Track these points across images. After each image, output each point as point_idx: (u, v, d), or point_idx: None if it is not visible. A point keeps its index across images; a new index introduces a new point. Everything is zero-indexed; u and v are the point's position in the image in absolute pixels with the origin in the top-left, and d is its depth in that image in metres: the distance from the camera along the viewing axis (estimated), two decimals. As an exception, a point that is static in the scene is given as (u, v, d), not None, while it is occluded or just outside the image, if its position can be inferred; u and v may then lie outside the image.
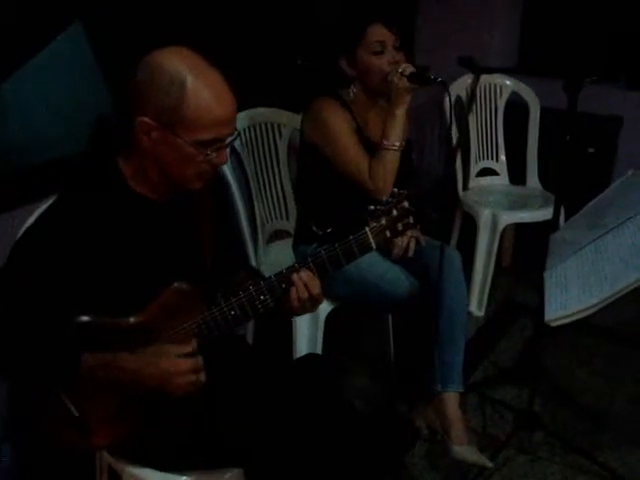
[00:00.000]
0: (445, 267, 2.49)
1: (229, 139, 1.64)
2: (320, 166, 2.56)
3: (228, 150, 1.66)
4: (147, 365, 1.58)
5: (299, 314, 1.79)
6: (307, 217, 2.72)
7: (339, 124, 2.51)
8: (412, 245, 2.58)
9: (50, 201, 1.68)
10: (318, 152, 2.55)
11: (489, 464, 2.43)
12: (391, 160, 2.45)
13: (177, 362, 1.59)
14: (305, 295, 1.68)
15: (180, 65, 1.54)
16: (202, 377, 1.61)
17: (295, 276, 1.68)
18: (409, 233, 2.56)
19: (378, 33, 2.47)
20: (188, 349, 1.60)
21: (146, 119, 1.56)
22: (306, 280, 1.68)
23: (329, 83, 2.63)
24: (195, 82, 1.53)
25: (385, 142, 2.45)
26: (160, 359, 1.59)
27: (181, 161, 1.60)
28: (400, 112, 2.44)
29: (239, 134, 1.68)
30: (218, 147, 1.61)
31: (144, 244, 1.66)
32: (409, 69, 2.39)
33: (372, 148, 2.50)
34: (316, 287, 1.70)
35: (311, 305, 1.73)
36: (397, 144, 2.45)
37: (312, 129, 2.58)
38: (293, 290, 1.68)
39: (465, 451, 2.44)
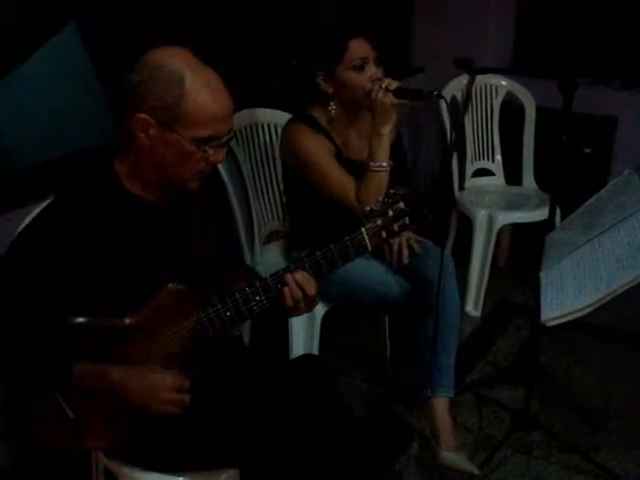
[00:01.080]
0: (436, 269, 2.47)
1: (226, 138, 1.64)
2: (304, 188, 2.50)
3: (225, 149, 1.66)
4: (133, 378, 1.60)
5: (294, 315, 1.79)
6: (298, 226, 2.71)
7: (316, 152, 2.42)
8: (405, 252, 2.54)
9: (45, 203, 1.68)
10: (299, 177, 2.50)
11: (476, 471, 2.43)
12: (380, 182, 2.32)
13: (163, 377, 1.61)
14: (299, 295, 1.68)
15: (178, 63, 1.56)
16: (186, 398, 1.62)
17: (289, 277, 1.68)
18: (404, 240, 2.55)
19: (360, 49, 2.36)
20: (177, 372, 1.63)
21: (144, 116, 1.56)
22: (301, 281, 1.68)
23: (304, 100, 2.55)
24: (193, 79, 1.55)
25: (372, 164, 2.33)
26: (147, 373, 1.61)
27: (179, 159, 1.61)
28: (386, 131, 2.32)
29: (236, 134, 1.68)
30: (216, 145, 1.61)
31: (138, 245, 1.67)
32: (394, 84, 2.29)
33: (355, 167, 2.41)
34: (311, 288, 1.69)
35: (307, 306, 1.73)
36: (385, 164, 2.33)
37: (289, 157, 2.53)
38: (286, 290, 1.68)
39: (453, 457, 2.44)
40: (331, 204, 2.43)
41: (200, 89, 1.56)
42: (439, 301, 2.44)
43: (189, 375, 1.64)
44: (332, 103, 2.48)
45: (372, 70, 2.37)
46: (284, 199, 2.95)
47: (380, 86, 2.30)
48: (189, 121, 1.56)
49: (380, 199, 1.71)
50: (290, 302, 1.69)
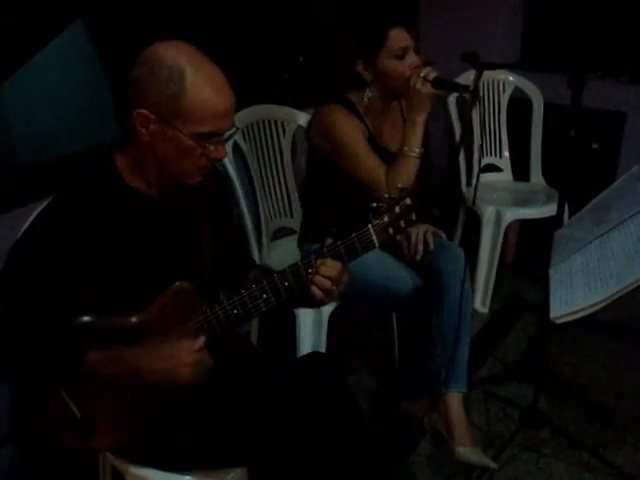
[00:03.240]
0: (449, 264, 2.48)
1: (228, 134, 1.63)
2: (329, 172, 2.53)
3: (230, 145, 1.65)
4: (150, 353, 1.58)
5: (328, 301, 1.75)
6: (313, 217, 2.71)
7: (350, 133, 2.46)
8: (420, 248, 2.54)
9: (48, 200, 1.67)
10: (327, 160, 2.52)
11: (493, 465, 2.42)
12: (410, 167, 2.38)
13: (181, 343, 1.59)
14: (327, 284, 1.66)
15: (179, 58, 1.54)
16: (208, 357, 1.60)
17: (310, 276, 1.66)
18: (421, 234, 2.55)
19: (400, 38, 2.41)
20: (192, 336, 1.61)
21: (145, 111, 1.56)
22: (322, 270, 1.66)
23: (340, 85, 2.57)
24: (194, 74, 1.54)
25: (405, 148, 2.39)
26: (162, 344, 1.59)
27: (179, 155, 1.60)
28: (421, 119, 2.38)
29: (237, 129, 1.67)
30: (216, 141, 1.60)
31: (142, 241, 1.66)
32: (432, 74, 2.33)
33: (385, 155, 2.45)
34: (334, 271, 1.67)
35: (339, 288, 1.71)
36: (417, 150, 2.39)
37: (321, 138, 2.53)
38: (313, 287, 1.67)
39: (468, 452, 2.43)
40: (351, 194, 2.43)
41: (201, 84, 1.54)
42: (452, 296, 2.46)
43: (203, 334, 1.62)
44: (368, 90, 2.51)
45: (412, 58, 2.41)
46: (298, 191, 2.99)
47: (419, 74, 2.35)
48: (189, 117, 1.55)
49: (387, 196, 1.70)
50: (320, 293, 1.68)
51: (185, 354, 1.58)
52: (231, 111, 1.61)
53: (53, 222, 1.59)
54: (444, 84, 2.34)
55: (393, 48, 2.41)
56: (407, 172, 2.37)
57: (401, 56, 2.41)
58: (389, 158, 2.43)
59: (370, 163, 2.44)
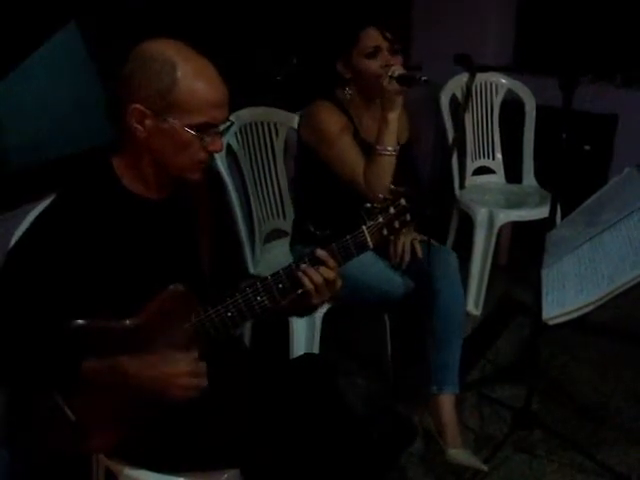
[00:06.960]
0: (441, 268, 2.50)
1: (223, 126, 1.63)
2: (317, 168, 2.54)
3: (225, 141, 1.65)
4: (148, 368, 1.57)
5: (318, 303, 1.73)
6: (304, 218, 2.71)
7: (335, 128, 2.48)
8: (407, 257, 2.58)
9: (45, 203, 1.67)
10: (315, 154, 2.54)
11: (484, 468, 2.42)
12: (385, 165, 2.40)
13: (178, 366, 1.59)
14: (318, 278, 1.66)
15: (169, 51, 1.56)
16: (203, 382, 1.60)
17: (302, 266, 1.66)
18: (408, 243, 2.58)
19: (371, 38, 2.44)
20: (192, 356, 1.61)
21: (139, 107, 1.56)
22: (323, 258, 1.67)
23: (325, 83, 2.61)
24: (185, 66, 1.55)
25: (378, 147, 2.40)
26: (161, 362, 1.59)
27: (177, 148, 1.60)
28: (392, 116, 2.39)
29: (233, 123, 1.67)
30: (213, 133, 1.61)
31: (141, 245, 1.66)
32: (398, 71, 2.35)
33: (367, 149, 2.47)
34: (329, 271, 1.67)
35: (330, 288, 1.70)
36: (390, 149, 2.40)
37: (309, 132, 2.56)
38: (304, 277, 1.66)
39: (460, 454, 2.44)
40: (341, 192, 2.47)
41: (192, 76, 1.55)
42: (442, 298, 2.48)
43: (204, 358, 1.62)
44: (348, 87, 2.56)
45: (385, 58, 2.44)
46: (290, 193, 2.97)
47: (386, 73, 2.36)
48: (183, 107, 1.55)
49: (381, 196, 1.70)
50: (311, 286, 1.66)
51: (181, 378, 1.58)
52: (225, 101, 1.61)
53: (52, 227, 1.59)
54: (407, 80, 2.34)
55: (364, 47, 2.45)
56: (382, 170, 2.39)
57: (372, 55, 2.44)
58: (371, 151, 2.46)
59: (352, 158, 2.46)
